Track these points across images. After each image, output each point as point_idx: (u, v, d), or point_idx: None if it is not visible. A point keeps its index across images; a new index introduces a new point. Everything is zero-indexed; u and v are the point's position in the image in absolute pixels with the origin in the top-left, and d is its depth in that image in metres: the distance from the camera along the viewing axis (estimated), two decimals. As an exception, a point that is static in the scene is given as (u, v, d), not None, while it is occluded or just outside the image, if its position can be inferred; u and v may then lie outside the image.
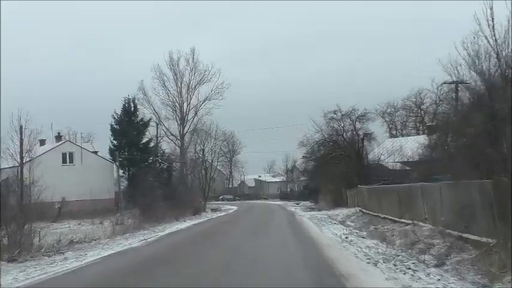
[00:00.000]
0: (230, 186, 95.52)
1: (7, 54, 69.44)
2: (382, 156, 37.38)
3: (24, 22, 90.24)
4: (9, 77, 67.30)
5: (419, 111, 51.25)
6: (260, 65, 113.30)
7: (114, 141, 51.76)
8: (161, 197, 39.03)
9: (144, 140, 52.38)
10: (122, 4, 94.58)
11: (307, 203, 61.20)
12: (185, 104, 75.29)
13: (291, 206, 56.38)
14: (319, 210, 37.53)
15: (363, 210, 28.09)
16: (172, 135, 72.04)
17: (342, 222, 23.76)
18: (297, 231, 19.95)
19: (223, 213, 42.60)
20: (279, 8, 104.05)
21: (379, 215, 23.07)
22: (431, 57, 67.84)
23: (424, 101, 50.66)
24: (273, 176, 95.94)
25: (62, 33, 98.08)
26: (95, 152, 54.04)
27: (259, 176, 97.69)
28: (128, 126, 51.36)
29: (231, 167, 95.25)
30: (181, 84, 74.92)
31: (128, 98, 52.24)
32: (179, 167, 63.68)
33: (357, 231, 19.68)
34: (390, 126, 48.04)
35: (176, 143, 71.26)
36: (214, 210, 54.12)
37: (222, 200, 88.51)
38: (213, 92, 72.07)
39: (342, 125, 35.28)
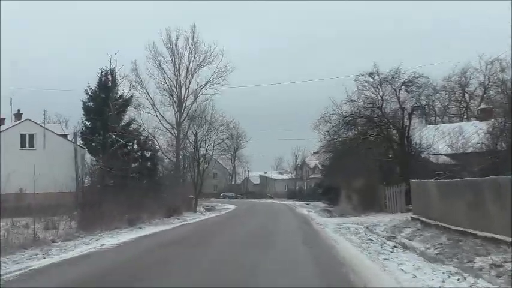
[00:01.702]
0: (233, 183, 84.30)
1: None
2: (426, 146, 26.03)
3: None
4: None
5: (463, 94, 39.71)
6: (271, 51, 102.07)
7: (86, 122, 40.81)
8: (138, 192, 28.50)
9: (124, 122, 41.46)
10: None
11: (319, 204, 50.03)
12: (183, 89, 64.96)
13: (300, 207, 45.17)
14: (342, 215, 26.33)
15: (421, 218, 16.94)
16: (168, 123, 61.78)
17: (403, 245, 12.48)
18: (337, 274, 8.37)
19: (213, 215, 31.58)
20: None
21: (467, 230, 12.16)
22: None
23: (469, 82, 39.08)
24: (280, 173, 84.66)
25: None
26: (64, 136, 43.17)
27: (265, 173, 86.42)
28: (104, 104, 40.35)
29: (234, 161, 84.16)
30: (179, 66, 64.10)
31: (105, 70, 41.18)
32: (175, 158, 53.24)
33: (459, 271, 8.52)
34: (427, 111, 36.48)
35: (172, 132, 60.97)
36: (208, 209, 43.38)
37: (224, 197, 77.56)
38: (215, 75, 61.36)
39: (381, 93, 24.15)
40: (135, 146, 42.56)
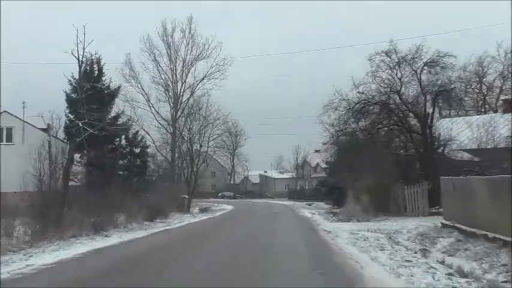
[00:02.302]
0: (232, 182, 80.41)
1: None
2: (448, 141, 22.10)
3: None
4: None
5: (480, 86, 35.82)
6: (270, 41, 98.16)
7: (70, 115, 36.99)
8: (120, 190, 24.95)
9: (111, 115, 37.65)
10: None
11: (322, 205, 46.21)
12: (179, 84, 61.18)
13: (302, 207, 41.32)
14: (350, 218, 22.46)
15: (457, 225, 13.07)
16: (163, 119, 58.03)
17: (459, 272, 8.51)
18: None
19: (204, 217, 27.71)
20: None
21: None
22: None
23: (487, 72, 35.19)
24: (281, 173, 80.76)
25: None
26: (46, 130, 39.28)
27: (265, 172, 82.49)
28: (89, 96, 36.53)
29: (233, 160, 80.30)
30: (175, 60, 60.48)
31: (91, 58, 37.33)
32: (170, 156, 49.49)
33: None
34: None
35: (168, 129, 57.20)
36: (203, 210, 39.57)
37: (222, 197, 73.70)
38: (213, 68, 57.52)
39: (399, 75, 20.20)
40: (123, 142, 38.99)
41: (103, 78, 37.82)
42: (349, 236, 13.25)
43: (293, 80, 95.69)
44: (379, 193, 22.48)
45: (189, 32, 55.74)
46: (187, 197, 39.21)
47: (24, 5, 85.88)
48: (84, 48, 18.25)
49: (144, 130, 51.54)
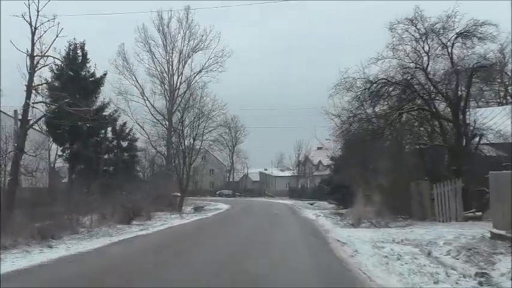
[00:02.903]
0: (231, 180, 76.65)
1: None
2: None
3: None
4: None
5: (501, 75, 31.93)
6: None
7: (52, 105, 33.30)
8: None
9: (96, 105, 33.94)
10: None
11: (325, 204, 42.53)
12: (175, 76, 57.50)
13: (304, 207, 37.66)
14: (360, 221, 18.88)
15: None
16: (159, 113, 54.43)
17: None
18: None
19: (194, 218, 24.02)
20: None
21: None
22: None
23: (508, 61, 31.24)
24: (281, 170, 76.97)
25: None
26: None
27: (265, 169, 78.70)
28: (72, 83, 32.87)
29: (232, 157, 76.58)
30: (172, 51, 56.77)
31: (74, 43, 33.79)
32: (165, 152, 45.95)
33: None
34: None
35: (163, 123, 53.58)
36: (197, 209, 35.99)
37: (220, 195, 69.98)
38: (210, 60, 53.82)
39: (426, 48, 16.25)
40: (110, 134, 35.32)
41: (87, 65, 34.35)
42: (373, 252, 9.54)
43: (297, 71, 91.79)
44: (397, 192, 18.80)
45: (186, 22, 52.27)
46: (179, 195, 35.52)
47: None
48: (38, 10, 14.55)
49: (138, 124, 48.08)
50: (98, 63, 34.09)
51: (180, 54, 56.30)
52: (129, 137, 34.87)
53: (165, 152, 46.85)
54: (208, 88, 42.49)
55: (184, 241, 13.00)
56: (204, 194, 73.09)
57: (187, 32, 53.56)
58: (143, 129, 48.67)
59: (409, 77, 15.88)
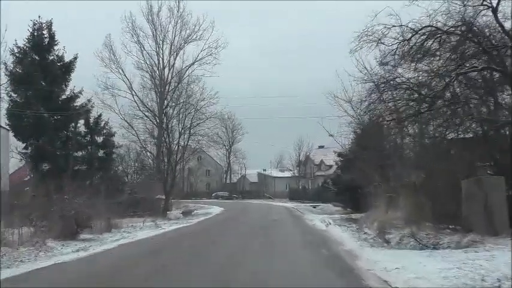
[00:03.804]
0: (228, 181, 71.21)
1: None
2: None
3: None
4: None
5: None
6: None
7: (13, 94, 28.01)
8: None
9: (66, 94, 28.60)
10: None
11: (329, 207, 37.25)
12: (166, 69, 52.17)
13: (307, 211, 32.33)
14: (384, 232, 13.80)
15: None
16: (149, 110, 49.13)
17: None
18: None
19: (174, 227, 18.61)
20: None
21: None
22: None
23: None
24: (281, 171, 71.56)
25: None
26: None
27: (264, 170, 73.28)
28: (37, 68, 27.63)
29: (229, 157, 71.20)
30: (162, 43, 51.35)
31: (39, 22, 28.56)
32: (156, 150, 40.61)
33: None
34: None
35: (153, 120, 48.29)
36: (185, 214, 30.76)
37: (216, 197, 64.73)
38: (204, 51, 48.49)
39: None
40: (83, 129, 30.00)
41: (55, 48, 29.07)
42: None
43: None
44: (437, 192, 13.49)
45: (178, 11, 46.99)
46: (163, 197, 30.21)
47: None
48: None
49: (126, 121, 42.85)
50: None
51: (171, 45, 50.81)
52: (104, 131, 29.54)
53: (155, 152, 41.56)
54: (204, 83, 36.92)
55: (132, 272, 7.66)
56: (199, 195, 67.88)
57: (179, 21, 48.36)
58: (131, 127, 43.37)
59: (466, 28, 10.53)
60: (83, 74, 30.74)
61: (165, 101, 48.10)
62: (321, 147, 66.70)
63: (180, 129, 30.24)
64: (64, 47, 28.51)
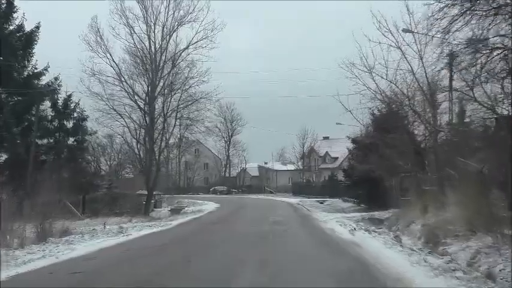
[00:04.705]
0: (227, 175, 66.23)
1: None
2: None
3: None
4: None
5: None
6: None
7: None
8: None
9: (28, 70, 23.58)
10: None
11: (338, 202, 32.43)
12: (158, 54, 47.01)
13: (315, 208, 27.47)
14: (437, 242, 8.87)
15: None
16: (140, 99, 44.04)
17: None
18: None
19: (143, 233, 13.63)
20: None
21: None
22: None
23: None
24: (284, 164, 66.50)
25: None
26: None
27: (265, 163, 68.28)
28: (-9, 40, 22.59)
29: (228, 150, 66.24)
30: (154, 25, 46.42)
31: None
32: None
33: None
34: None
35: (145, 109, 43.26)
36: (174, 211, 25.99)
37: (214, 192, 59.81)
38: (200, 33, 43.21)
39: None
40: (49, 112, 25.05)
41: (14, 16, 24.09)
42: None
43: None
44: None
45: (171, -10, 41.86)
46: (145, 193, 25.28)
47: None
48: None
49: (115, 110, 37.92)
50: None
51: (164, 28, 45.80)
52: (74, 115, 24.59)
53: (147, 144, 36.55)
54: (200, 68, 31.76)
55: None
56: (197, 190, 63.10)
57: (172, 1, 43.33)
58: (120, 116, 38.48)
59: None
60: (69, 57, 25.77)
61: (157, 88, 42.81)
62: (325, 138, 61.60)
63: (166, 110, 25.30)
64: (24, 13, 23.52)
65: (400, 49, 15.53)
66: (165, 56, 47.59)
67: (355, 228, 12.33)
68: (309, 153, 61.64)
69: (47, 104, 24.20)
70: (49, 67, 24.09)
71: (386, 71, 16.22)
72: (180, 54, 44.86)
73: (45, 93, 23.52)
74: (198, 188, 63.91)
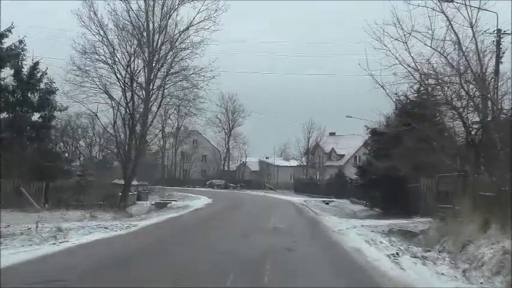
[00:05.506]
0: (226, 168, 61.88)
1: None
2: None
3: None
4: None
5: None
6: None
7: None
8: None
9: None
10: None
11: (346, 203, 28.47)
12: (157, 35, 42.70)
13: (321, 210, 23.26)
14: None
15: None
16: (138, 84, 39.93)
17: None
18: None
19: (85, 241, 9.45)
20: None
21: None
22: None
23: None
24: (286, 159, 62.17)
25: None
26: None
27: (266, 158, 63.93)
28: None
29: (228, 142, 61.93)
30: (153, 3, 42.47)
31: None
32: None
33: None
34: None
35: (140, 94, 39.07)
36: (159, 205, 22.02)
37: (211, 186, 55.64)
38: (202, 13, 38.79)
39: None
40: (10, 80, 20.81)
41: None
42: None
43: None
44: None
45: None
46: (121, 182, 21.08)
47: None
48: None
49: (107, 93, 33.88)
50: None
51: (163, 6, 41.58)
52: (40, 87, 20.35)
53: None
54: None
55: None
56: (193, 183, 58.89)
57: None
58: (112, 99, 34.55)
59: None
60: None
61: (153, 71, 38.51)
62: (332, 134, 57.31)
63: (150, 80, 21.21)
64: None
65: (445, 14, 11.38)
66: (164, 37, 42.67)
67: (397, 253, 8.01)
68: (314, 149, 57.32)
69: (8, 71, 20.03)
70: (13, 27, 19.84)
71: (431, 39, 11.99)
72: (180, 35, 39.94)
73: (4, 59, 19.32)
74: (194, 180, 59.80)
